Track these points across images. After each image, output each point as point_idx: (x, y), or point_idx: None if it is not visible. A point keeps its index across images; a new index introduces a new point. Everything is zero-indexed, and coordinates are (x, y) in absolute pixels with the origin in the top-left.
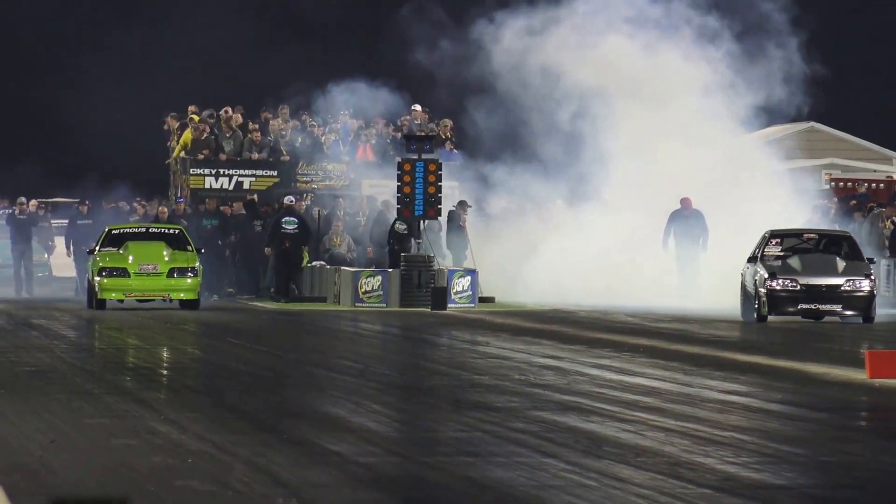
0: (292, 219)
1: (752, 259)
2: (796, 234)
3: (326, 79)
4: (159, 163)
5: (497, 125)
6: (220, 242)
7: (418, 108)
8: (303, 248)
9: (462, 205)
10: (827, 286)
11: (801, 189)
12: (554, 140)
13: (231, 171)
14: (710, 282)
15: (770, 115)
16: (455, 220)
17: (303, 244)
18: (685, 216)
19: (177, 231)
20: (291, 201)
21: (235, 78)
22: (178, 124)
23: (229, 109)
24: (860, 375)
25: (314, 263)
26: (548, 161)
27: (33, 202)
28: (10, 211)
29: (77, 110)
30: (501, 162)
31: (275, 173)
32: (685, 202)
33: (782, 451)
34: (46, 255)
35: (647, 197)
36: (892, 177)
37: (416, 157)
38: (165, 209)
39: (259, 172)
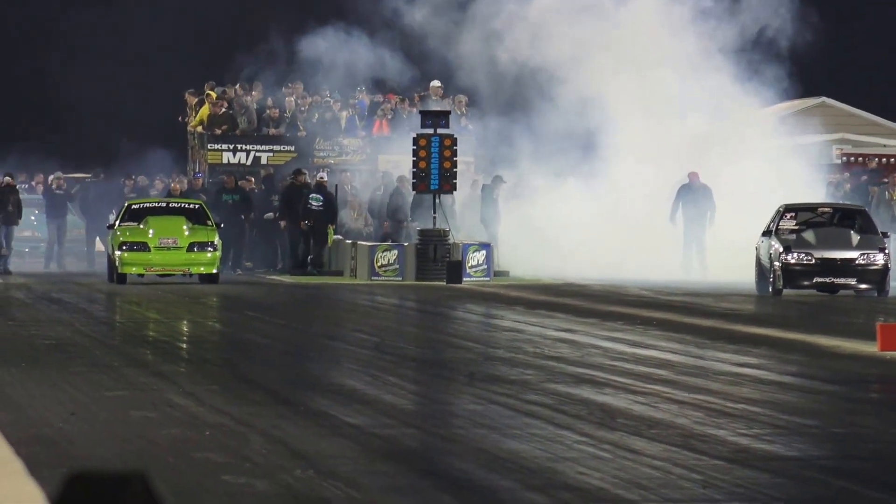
0: (319, 196)
1: (766, 233)
2: (811, 207)
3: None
4: (176, 138)
5: (497, 100)
6: (241, 217)
7: (437, 83)
8: (328, 226)
9: (497, 180)
10: (841, 260)
11: (813, 164)
12: (554, 113)
13: (248, 147)
14: (720, 256)
15: (762, 51)
16: (490, 195)
17: (328, 222)
18: (693, 190)
19: (196, 206)
20: (323, 178)
21: (237, 48)
22: (195, 100)
23: (246, 86)
24: (871, 348)
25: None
26: (552, 134)
27: (53, 177)
28: (47, 185)
29: (89, 88)
30: (509, 138)
31: (292, 148)
32: (693, 176)
33: (794, 423)
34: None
35: (653, 170)
36: None
37: (431, 132)
38: (178, 185)
39: (276, 148)
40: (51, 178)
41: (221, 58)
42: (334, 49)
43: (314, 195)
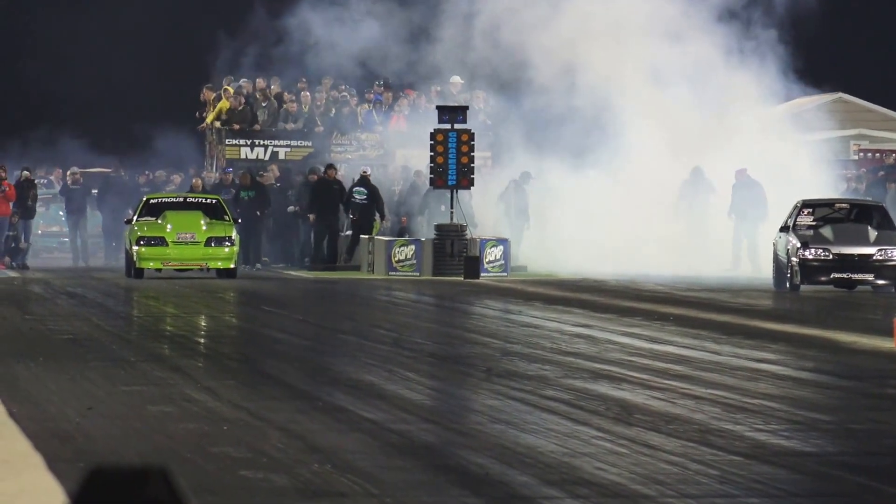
0: (363, 189)
1: (784, 228)
2: (828, 203)
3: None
4: (193, 133)
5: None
6: (257, 213)
7: (457, 79)
8: (374, 219)
9: (525, 176)
10: (859, 255)
11: (829, 159)
12: (564, 109)
13: (266, 142)
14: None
15: (779, 44)
16: (516, 191)
17: (373, 214)
18: (745, 186)
19: (214, 201)
20: (366, 171)
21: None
22: (213, 96)
23: (263, 80)
24: (889, 344)
25: (348, 233)
26: (564, 130)
27: (69, 172)
28: (63, 182)
29: (100, 82)
30: (524, 134)
31: (309, 143)
32: (740, 174)
33: (811, 419)
34: None
35: (667, 164)
36: None
37: (448, 127)
38: (200, 181)
39: (294, 143)
40: (68, 173)
41: (224, 46)
42: (330, 29)
43: (358, 188)
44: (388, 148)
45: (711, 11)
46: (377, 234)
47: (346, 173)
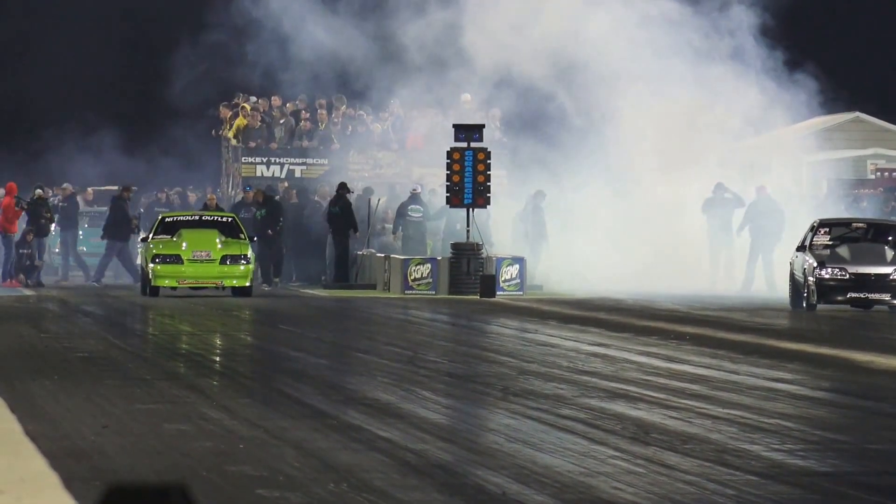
0: (417, 206)
1: (800, 248)
2: (845, 223)
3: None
4: (210, 151)
5: (521, 111)
6: (269, 231)
7: (468, 96)
8: (427, 236)
9: (539, 194)
10: (876, 275)
11: (847, 179)
12: (577, 126)
13: (282, 160)
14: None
15: (787, 33)
16: (533, 209)
17: (427, 232)
18: (764, 204)
19: (229, 219)
20: (417, 190)
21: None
22: (230, 113)
23: (279, 98)
24: None
25: (363, 251)
26: (576, 148)
27: (61, 188)
28: (57, 197)
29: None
30: (539, 151)
31: (325, 161)
32: (760, 191)
33: (828, 439)
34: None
35: (685, 181)
36: None
37: (464, 145)
38: (214, 197)
39: (310, 161)
40: (60, 188)
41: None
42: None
43: (413, 206)
44: (405, 166)
45: (731, 34)
46: (432, 253)
47: (364, 191)
